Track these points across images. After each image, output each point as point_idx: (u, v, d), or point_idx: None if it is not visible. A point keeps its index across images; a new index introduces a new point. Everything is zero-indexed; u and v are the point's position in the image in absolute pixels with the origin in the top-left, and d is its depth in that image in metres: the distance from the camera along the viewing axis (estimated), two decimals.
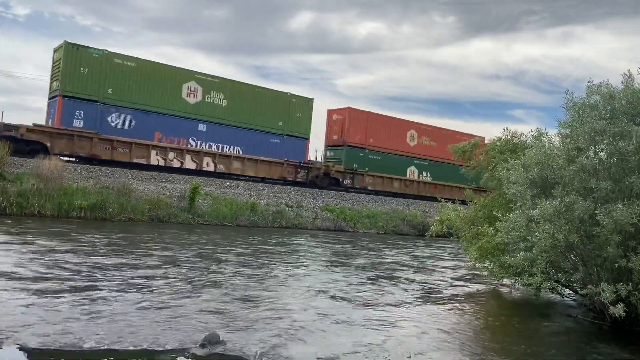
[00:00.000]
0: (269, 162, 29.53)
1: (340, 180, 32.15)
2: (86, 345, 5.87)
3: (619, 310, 7.42)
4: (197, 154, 27.38)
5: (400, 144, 35.25)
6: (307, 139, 31.56)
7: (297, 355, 6.19)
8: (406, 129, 35.87)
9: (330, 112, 34.64)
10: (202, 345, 6.16)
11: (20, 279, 8.72)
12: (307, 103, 31.63)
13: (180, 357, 5.89)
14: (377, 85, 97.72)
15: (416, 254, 19.25)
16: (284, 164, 29.93)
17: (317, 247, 18.47)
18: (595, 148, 8.97)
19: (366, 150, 33.53)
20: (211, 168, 27.71)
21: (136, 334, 6.37)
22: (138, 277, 9.81)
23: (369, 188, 33.48)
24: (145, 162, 25.63)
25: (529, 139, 11.39)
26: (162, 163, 26.27)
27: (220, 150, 28.20)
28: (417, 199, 34.44)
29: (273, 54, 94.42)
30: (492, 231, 10.87)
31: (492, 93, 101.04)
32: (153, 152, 26.00)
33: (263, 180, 29.28)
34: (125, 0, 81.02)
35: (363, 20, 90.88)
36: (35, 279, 8.78)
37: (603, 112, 8.85)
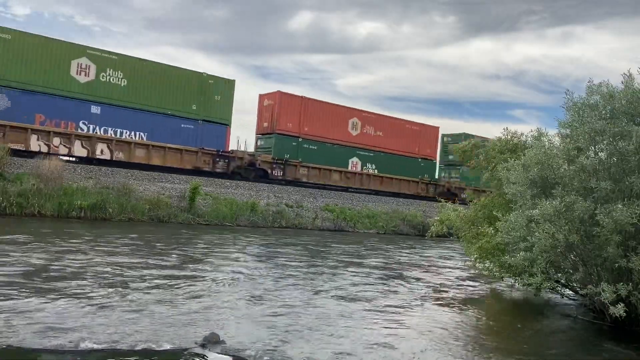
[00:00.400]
0: (179, 150, 26.03)
1: (269, 171, 29.28)
2: (86, 345, 5.88)
3: (619, 310, 7.42)
4: (89, 140, 23.91)
5: (340, 133, 32.20)
6: (228, 125, 27.96)
7: (298, 355, 6.19)
8: (347, 117, 32.72)
9: (261, 97, 31.67)
10: (202, 345, 6.17)
11: (41, 279, 8.73)
12: (228, 85, 27.95)
13: (180, 357, 5.89)
14: (377, 85, 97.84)
15: (419, 254, 19.25)
16: (198, 153, 26.66)
17: (329, 247, 18.47)
18: (595, 148, 8.97)
19: (300, 139, 30.43)
20: (106, 156, 24.28)
21: (138, 334, 6.38)
22: (154, 276, 9.82)
23: (304, 180, 30.48)
24: (23, 149, 22.14)
25: (529, 139, 11.40)
26: (44, 149, 22.64)
27: (118, 136, 24.76)
28: (359, 193, 32.24)
29: (273, 54, 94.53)
30: (492, 231, 10.87)
31: (492, 93, 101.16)
32: (33, 137, 22.54)
33: (172, 170, 25.69)
34: (125, 0, 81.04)
35: (363, 20, 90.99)
36: (58, 279, 8.79)
37: (603, 112, 8.86)
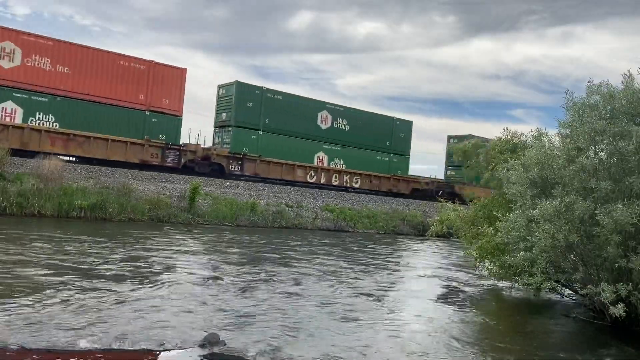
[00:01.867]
0: None
1: None
2: (86, 345, 5.88)
3: (619, 310, 7.43)
4: None
5: None
6: None
7: (298, 355, 6.19)
8: None
9: None
10: (202, 346, 6.16)
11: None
12: None
13: (180, 357, 5.89)
14: (377, 85, 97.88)
15: (418, 253, 19.25)
16: None
17: (355, 247, 18.47)
18: (595, 148, 8.98)
19: None
20: None
21: (139, 334, 6.38)
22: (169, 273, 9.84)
23: None
24: None
25: (529, 139, 11.41)
26: None
27: None
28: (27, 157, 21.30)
29: (273, 53, 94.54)
30: (492, 231, 10.88)
31: (492, 93, 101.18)
32: None
33: None
34: (125, 0, 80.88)
35: (363, 20, 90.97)
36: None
37: (603, 112, 8.87)
